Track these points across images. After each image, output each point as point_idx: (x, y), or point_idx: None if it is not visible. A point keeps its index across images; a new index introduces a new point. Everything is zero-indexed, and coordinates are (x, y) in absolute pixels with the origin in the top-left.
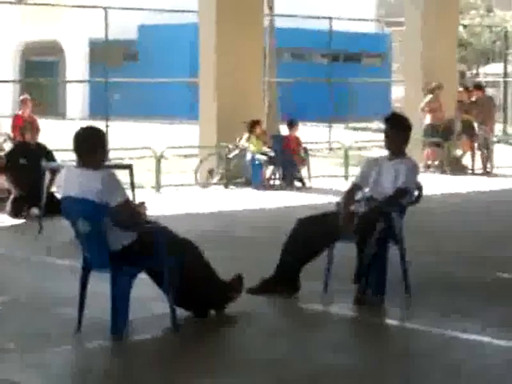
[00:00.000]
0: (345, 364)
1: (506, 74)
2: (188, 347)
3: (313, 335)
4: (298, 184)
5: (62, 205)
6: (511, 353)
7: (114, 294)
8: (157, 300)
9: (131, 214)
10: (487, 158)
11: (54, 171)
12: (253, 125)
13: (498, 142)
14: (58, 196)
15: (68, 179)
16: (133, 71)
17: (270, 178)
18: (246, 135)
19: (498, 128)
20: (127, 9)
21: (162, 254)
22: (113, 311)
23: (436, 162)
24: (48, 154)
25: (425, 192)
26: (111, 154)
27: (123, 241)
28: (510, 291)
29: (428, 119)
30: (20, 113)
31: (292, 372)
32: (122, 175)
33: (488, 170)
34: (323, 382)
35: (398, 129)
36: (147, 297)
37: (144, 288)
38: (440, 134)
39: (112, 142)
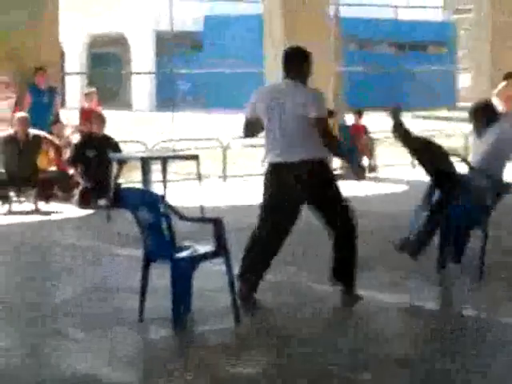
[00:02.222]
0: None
1: None
2: (248, 340)
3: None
4: (370, 174)
5: None
6: None
7: (174, 285)
8: (223, 291)
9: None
10: None
11: (121, 162)
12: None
13: None
14: None
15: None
16: (199, 62)
17: (341, 167)
18: None
19: None
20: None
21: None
22: (174, 302)
23: None
24: (115, 146)
25: None
26: (178, 145)
27: None
28: None
29: (501, 107)
30: (86, 105)
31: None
32: (189, 166)
33: None
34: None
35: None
36: (213, 288)
37: (211, 279)
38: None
39: (179, 132)
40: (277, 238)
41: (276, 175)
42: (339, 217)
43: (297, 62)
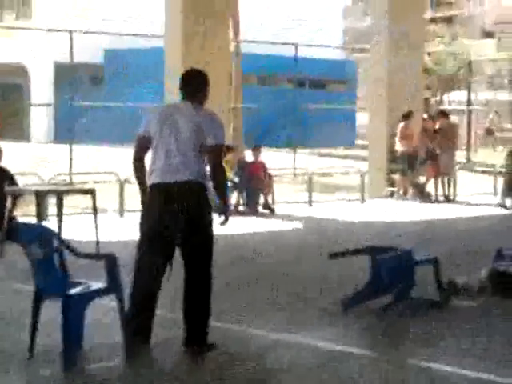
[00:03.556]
0: None
1: (469, 102)
2: (140, 377)
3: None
4: (265, 211)
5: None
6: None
7: (65, 322)
8: (117, 327)
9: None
10: (449, 186)
11: (16, 196)
12: (225, 150)
13: (461, 169)
14: None
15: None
16: (98, 95)
17: (236, 205)
18: None
19: (461, 155)
20: (92, 33)
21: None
22: (64, 339)
23: (401, 190)
24: (10, 178)
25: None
26: (75, 178)
27: None
28: None
29: (400, 147)
30: None
31: None
32: (86, 199)
33: (450, 197)
34: None
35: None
36: (108, 324)
37: (106, 315)
38: (405, 161)
39: (76, 166)
40: (154, 270)
41: (157, 196)
42: (198, 265)
43: (196, 84)
